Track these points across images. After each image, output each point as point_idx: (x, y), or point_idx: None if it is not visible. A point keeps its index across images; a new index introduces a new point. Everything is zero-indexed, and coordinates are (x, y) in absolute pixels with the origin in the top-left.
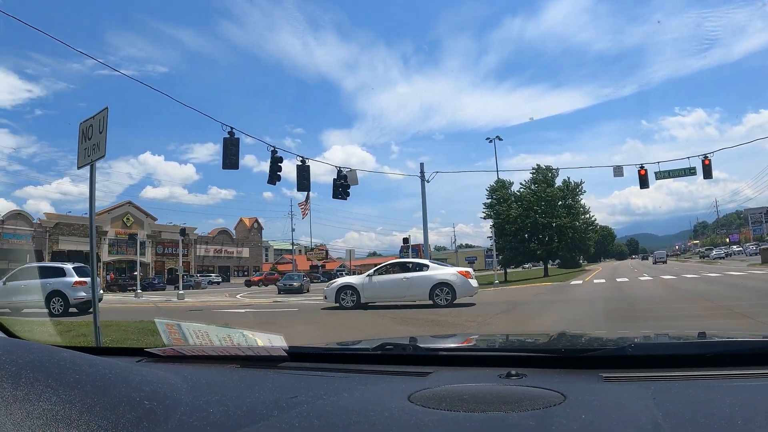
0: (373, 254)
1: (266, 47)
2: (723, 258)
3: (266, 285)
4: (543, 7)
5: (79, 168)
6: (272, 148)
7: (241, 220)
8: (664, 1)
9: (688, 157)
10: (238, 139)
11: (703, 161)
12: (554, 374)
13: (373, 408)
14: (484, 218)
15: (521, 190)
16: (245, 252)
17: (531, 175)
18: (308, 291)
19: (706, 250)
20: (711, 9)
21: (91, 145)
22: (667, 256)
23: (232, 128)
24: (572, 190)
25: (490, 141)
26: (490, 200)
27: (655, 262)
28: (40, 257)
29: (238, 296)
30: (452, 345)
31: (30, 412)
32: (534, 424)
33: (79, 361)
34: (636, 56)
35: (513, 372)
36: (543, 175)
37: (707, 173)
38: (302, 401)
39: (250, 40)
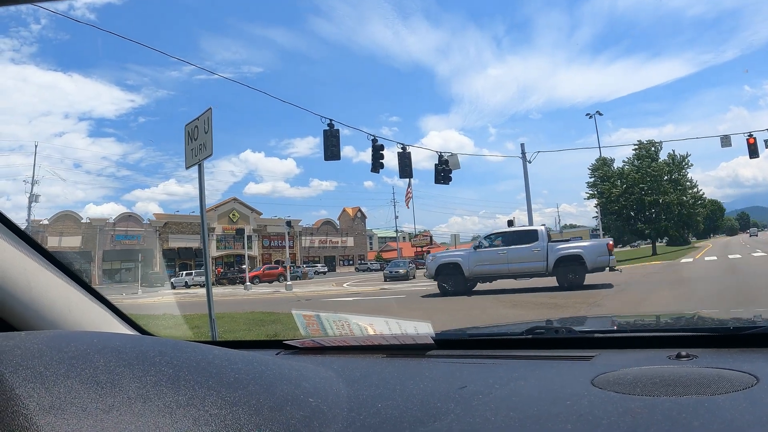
0: (477, 237)
1: (357, 39)
2: None
3: (270, 281)
4: None
5: (187, 168)
6: (372, 137)
7: (344, 210)
8: None
9: None
10: (338, 130)
11: None
12: (731, 354)
13: (559, 394)
14: (588, 198)
15: (625, 166)
16: (350, 241)
17: (633, 151)
18: (414, 277)
19: None
20: None
21: (198, 146)
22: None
23: (331, 120)
24: (678, 164)
25: (590, 117)
26: (593, 179)
27: (750, 236)
28: (151, 256)
29: (344, 285)
30: (608, 327)
31: (197, 419)
32: (730, 406)
33: (232, 358)
34: (734, 18)
35: (683, 353)
36: (646, 150)
37: None
38: (476, 391)
39: (341, 34)
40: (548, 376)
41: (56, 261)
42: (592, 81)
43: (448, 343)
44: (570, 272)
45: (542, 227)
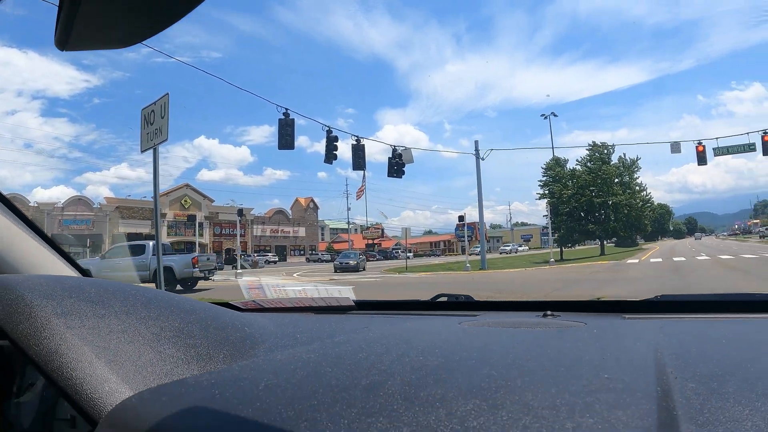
0: (429, 232)
1: (319, 29)
2: None
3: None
4: None
5: (142, 152)
6: (327, 128)
7: (296, 200)
8: None
9: (747, 133)
10: (293, 119)
11: (762, 137)
12: (584, 315)
13: (433, 330)
14: (539, 198)
15: (577, 167)
16: (301, 231)
17: (586, 153)
18: (365, 269)
19: (766, 229)
20: None
21: (154, 130)
22: (716, 235)
23: (287, 109)
24: (628, 167)
25: (545, 117)
26: (545, 178)
27: (696, 240)
28: (100, 241)
29: (295, 275)
30: (499, 296)
31: (163, 327)
32: (556, 334)
33: (188, 300)
34: (693, 29)
35: (549, 312)
36: (598, 153)
37: (767, 150)
38: (374, 329)
39: (303, 23)
40: (436, 324)
41: (18, 213)
42: (550, 82)
43: (366, 305)
44: (166, 280)
45: (151, 243)
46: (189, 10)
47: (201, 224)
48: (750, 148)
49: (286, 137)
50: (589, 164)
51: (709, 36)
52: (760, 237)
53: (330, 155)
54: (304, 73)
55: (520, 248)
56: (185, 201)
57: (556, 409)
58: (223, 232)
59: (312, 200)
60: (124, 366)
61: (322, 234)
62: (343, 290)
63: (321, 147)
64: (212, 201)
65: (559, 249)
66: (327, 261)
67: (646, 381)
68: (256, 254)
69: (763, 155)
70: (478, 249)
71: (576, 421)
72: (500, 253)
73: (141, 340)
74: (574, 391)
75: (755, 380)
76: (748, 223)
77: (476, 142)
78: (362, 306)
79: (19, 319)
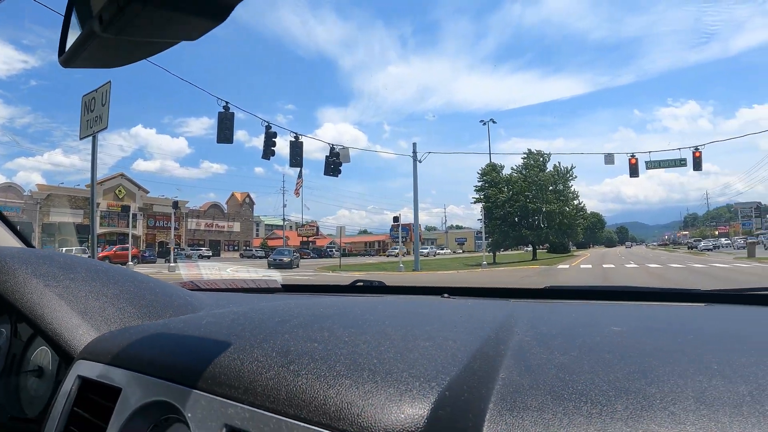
0: (364, 232)
1: (264, 22)
2: (711, 250)
3: (123, 263)
4: None
5: (81, 139)
6: (266, 124)
7: (232, 195)
8: None
9: (679, 149)
10: (233, 113)
11: (693, 153)
12: (477, 299)
13: (345, 303)
14: (475, 202)
15: (512, 173)
16: (236, 227)
17: (523, 160)
18: (298, 267)
19: (695, 241)
20: (711, 3)
21: (94, 118)
22: (647, 245)
23: (227, 103)
24: (563, 175)
25: (484, 123)
26: (481, 183)
27: (626, 248)
28: (30, 230)
29: (228, 270)
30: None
31: (122, 290)
32: (434, 303)
33: (140, 273)
34: (634, 46)
35: (446, 294)
36: (534, 160)
37: (697, 165)
38: (293, 299)
39: (248, 15)
40: (348, 300)
41: None
42: (491, 89)
43: (292, 287)
44: None
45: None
46: (199, 35)
47: (135, 216)
48: (681, 163)
49: (225, 131)
50: (524, 171)
51: (649, 53)
52: (689, 248)
53: (268, 151)
54: (247, 66)
55: (440, 251)
56: (120, 191)
57: (404, 337)
58: (157, 224)
59: (248, 195)
60: (92, 317)
61: (257, 230)
62: (274, 275)
63: (259, 142)
64: (147, 192)
65: (492, 253)
66: (261, 257)
67: (488, 329)
68: (189, 248)
69: (694, 170)
70: (396, 250)
71: (418, 344)
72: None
73: (104, 298)
74: (425, 330)
75: (579, 338)
76: (678, 235)
77: (414, 144)
78: (288, 288)
79: (4, 278)
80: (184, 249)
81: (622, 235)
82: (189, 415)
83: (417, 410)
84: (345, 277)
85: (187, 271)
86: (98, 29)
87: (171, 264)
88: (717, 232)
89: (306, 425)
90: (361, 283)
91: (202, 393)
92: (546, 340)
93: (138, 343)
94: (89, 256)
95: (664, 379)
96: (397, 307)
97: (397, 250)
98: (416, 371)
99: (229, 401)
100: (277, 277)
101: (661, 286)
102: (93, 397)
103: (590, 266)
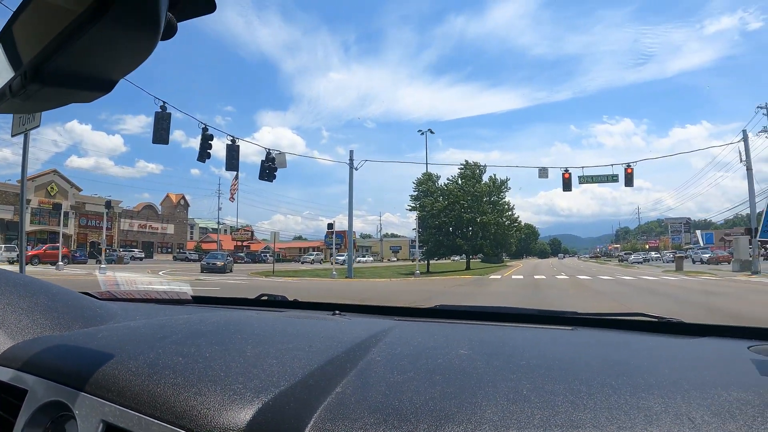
0: (299, 238)
1: (208, 22)
2: (641, 263)
3: (53, 263)
4: (487, 7)
5: (13, 136)
6: (203, 126)
7: (167, 196)
8: (605, 15)
9: (612, 165)
10: (169, 114)
11: (625, 170)
12: (366, 316)
13: (248, 318)
14: (410, 210)
15: (448, 183)
16: (170, 228)
17: (459, 170)
18: (231, 271)
19: (626, 254)
20: (650, 26)
21: (27, 115)
22: (579, 256)
23: (164, 102)
24: (498, 187)
25: (422, 133)
26: (416, 192)
27: (559, 260)
28: None
29: (160, 273)
30: (305, 299)
31: (36, 303)
32: (316, 322)
33: (55, 285)
34: (573, 64)
35: (337, 312)
36: (471, 171)
37: (629, 181)
38: (196, 311)
39: None
40: (237, 315)
41: None
42: (431, 100)
43: (200, 299)
44: None
45: None
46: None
47: (67, 214)
48: (613, 178)
49: (161, 131)
50: (461, 181)
51: (588, 71)
52: (620, 261)
53: (204, 153)
54: (187, 64)
55: (362, 258)
56: (52, 188)
57: (258, 354)
58: (90, 223)
59: (183, 197)
60: (9, 327)
61: (191, 233)
62: (183, 287)
63: (197, 143)
64: (80, 190)
65: (425, 262)
66: (195, 260)
67: (342, 349)
68: (122, 249)
69: (625, 186)
70: (311, 257)
71: (266, 360)
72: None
73: (20, 311)
74: (281, 348)
75: (424, 360)
76: (609, 248)
77: (351, 152)
78: (198, 300)
79: None
80: (116, 250)
81: (555, 247)
82: (77, 412)
83: (243, 414)
84: (278, 283)
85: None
86: (9, 95)
87: (102, 265)
88: (647, 246)
89: (159, 422)
90: (266, 297)
91: (87, 395)
92: (394, 360)
93: (45, 352)
94: (18, 255)
95: (473, 402)
96: (274, 325)
97: (311, 257)
98: (252, 383)
99: (106, 402)
100: (187, 288)
101: (541, 308)
102: (6, 397)
103: (522, 277)
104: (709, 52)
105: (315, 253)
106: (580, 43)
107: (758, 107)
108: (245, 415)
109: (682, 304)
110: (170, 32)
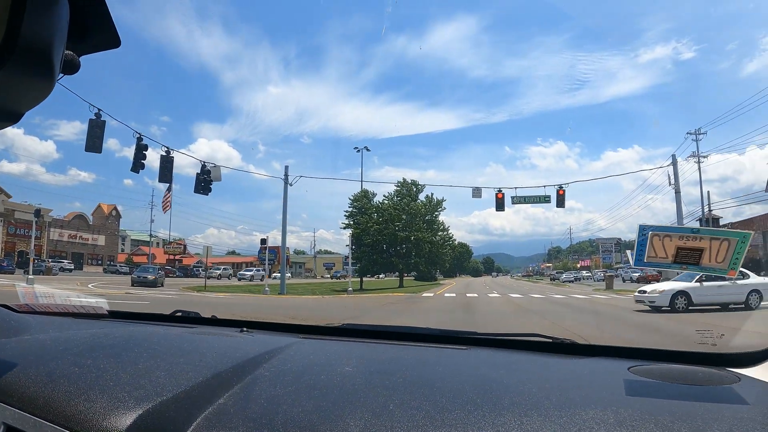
0: (233, 253)
1: (150, 29)
2: (572, 282)
3: None
4: (429, 29)
5: None
6: (138, 135)
7: (99, 206)
8: (543, 41)
9: (544, 186)
10: (104, 122)
11: (557, 191)
12: (272, 333)
13: (152, 334)
14: (345, 227)
15: (384, 201)
16: (101, 240)
17: (395, 188)
18: (163, 285)
19: (557, 273)
20: (586, 53)
21: None
22: (512, 275)
23: (99, 110)
24: (434, 206)
25: (358, 150)
26: (351, 209)
27: (492, 278)
28: None
29: (90, 285)
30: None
31: None
32: (218, 339)
33: None
34: (511, 87)
35: (245, 329)
36: (407, 190)
37: (560, 202)
38: (108, 326)
39: (133, 18)
40: (147, 331)
41: None
42: (369, 118)
43: (116, 314)
44: None
45: None
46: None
47: None
48: (545, 199)
49: (94, 139)
50: (395, 199)
51: (524, 95)
52: (551, 279)
53: (138, 164)
54: (126, 72)
55: (287, 275)
56: None
57: (149, 367)
58: (18, 232)
59: (115, 208)
60: None
61: (123, 245)
62: (100, 301)
63: (130, 153)
64: (10, 197)
65: (359, 279)
66: (125, 273)
67: (231, 364)
68: (51, 260)
69: (557, 207)
70: (251, 272)
71: (156, 373)
72: (239, 279)
73: None
74: (172, 361)
75: (308, 376)
76: (542, 267)
77: (286, 167)
78: (113, 315)
79: None
80: (44, 260)
81: (488, 266)
82: None
83: (124, 419)
84: (208, 299)
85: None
86: None
87: (29, 276)
88: (579, 265)
89: (52, 425)
90: (180, 314)
91: None
92: (280, 376)
93: None
94: None
95: (340, 416)
96: (175, 340)
97: (251, 273)
98: (137, 392)
99: (7, 406)
100: (104, 303)
101: (441, 329)
102: None
103: (454, 295)
104: (643, 79)
105: (255, 269)
106: (518, 67)
107: (688, 133)
108: (126, 420)
109: (617, 321)
110: (73, 69)
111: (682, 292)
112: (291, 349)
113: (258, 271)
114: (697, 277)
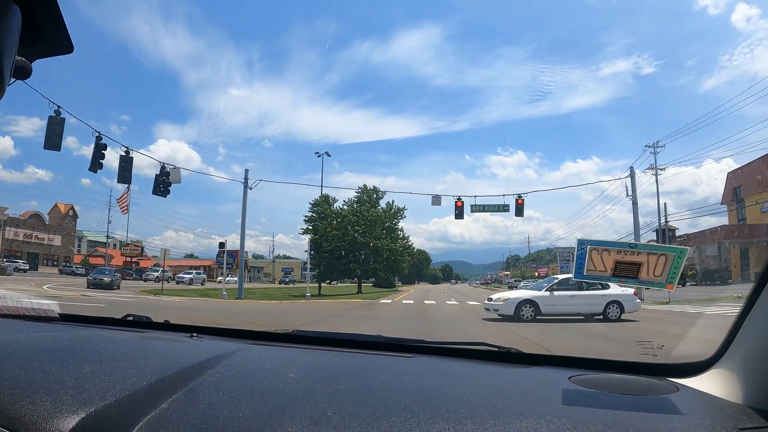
0: (191, 256)
1: (113, 25)
2: None
3: None
4: (392, 36)
5: None
6: (97, 134)
7: (56, 206)
8: (506, 52)
9: (503, 195)
10: (63, 119)
11: (516, 200)
12: (222, 338)
13: (101, 338)
14: (304, 233)
15: (344, 207)
16: (57, 240)
17: (356, 195)
18: (119, 288)
19: (515, 281)
20: (548, 65)
21: None
22: (470, 282)
23: (59, 107)
24: (393, 213)
25: (319, 156)
26: (311, 214)
27: (451, 286)
28: None
29: (45, 287)
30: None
31: None
32: (167, 344)
33: None
34: (472, 96)
35: (195, 334)
36: (368, 196)
37: (519, 211)
38: (59, 333)
39: (96, 13)
40: (108, 334)
41: None
42: (330, 123)
43: (67, 317)
44: None
45: None
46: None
47: None
48: (504, 208)
49: (53, 137)
50: (356, 205)
51: (486, 104)
52: (509, 287)
53: (96, 163)
54: (86, 69)
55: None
56: None
57: (94, 372)
58: None
59: (72, 208)
60: None
61: (79, 245)
62: (50, 304)
63: (89, 152)
64: None
65: (317, 284)
66: (81, 275)
67: (176, 369)
68: (5, 259)
69: (516, 216)
70: (190, 275)
71: (99, 377)
72: (177, 283)
73: None
74: (116, 366)
75: (252, 382)
76: (500, 275)
77: (246, 171)
78: (64, 318)
79: None
80: None
81: (446, 273)
82: None
83: (67, 422)
84: (164, 302)
85: None
86: None
87: None
88: (537, 273)
89: (1, 428)
90: (131, 318)
91: None
92: (224, 381)
93: None
94: None
95: (279, 421)
96: (123, 345)
97: (191, 275)
98: (81, 396)
99: None
100: (55, 306)
101: (389, 336)
102: None
103: (412, 302)
104: (603, 92)
105: (194, 272)
106: (480, 77)
107: (646, 146)
108: (69, 422)
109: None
110: (24, 75)
111: (528, 301)
112: (238, 355)
113: (198, 274)
114: (548, 286)
